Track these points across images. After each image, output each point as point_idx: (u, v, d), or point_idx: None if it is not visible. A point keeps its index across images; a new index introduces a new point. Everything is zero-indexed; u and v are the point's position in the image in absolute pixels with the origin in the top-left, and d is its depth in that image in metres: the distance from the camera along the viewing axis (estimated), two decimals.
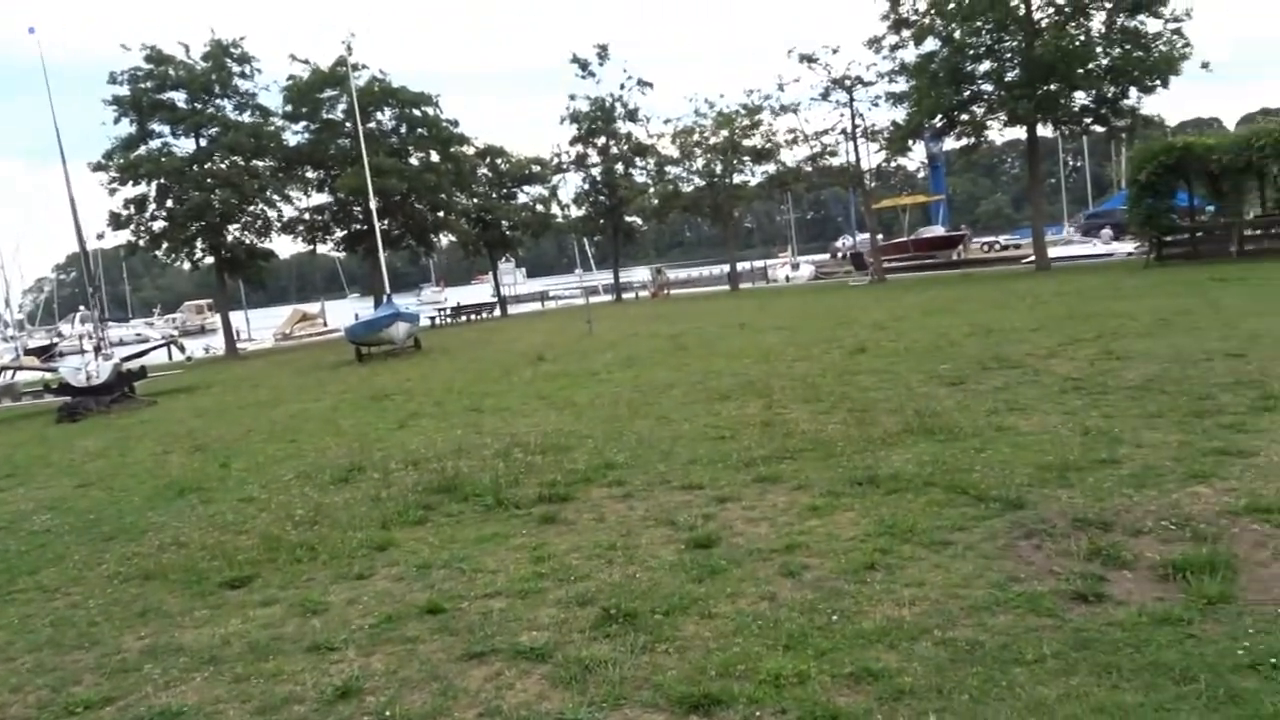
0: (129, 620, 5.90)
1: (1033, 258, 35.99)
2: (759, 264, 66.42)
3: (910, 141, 39.59)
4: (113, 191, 38.27)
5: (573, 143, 49.30)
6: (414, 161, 44.43)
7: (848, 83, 40.18)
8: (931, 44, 34.41)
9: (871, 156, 42.68)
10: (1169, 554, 4.92)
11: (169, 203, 38.57)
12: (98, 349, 24.28)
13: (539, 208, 50.87)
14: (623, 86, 48.00)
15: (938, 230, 54.20)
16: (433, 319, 46.53)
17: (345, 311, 55.61)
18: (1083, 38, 31.89)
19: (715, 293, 50.03)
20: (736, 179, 47.73)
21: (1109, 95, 32.04)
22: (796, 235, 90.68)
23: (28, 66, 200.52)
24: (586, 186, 50.00)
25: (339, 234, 45.79)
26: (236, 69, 39.47)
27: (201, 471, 10.93)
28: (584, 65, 47.52)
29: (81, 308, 51.60)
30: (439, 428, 12.06)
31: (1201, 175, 28.51)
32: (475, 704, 4.21)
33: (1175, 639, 4.03)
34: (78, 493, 10.62)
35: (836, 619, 4.59)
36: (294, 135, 43.08)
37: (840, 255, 61.36)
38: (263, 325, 58.35)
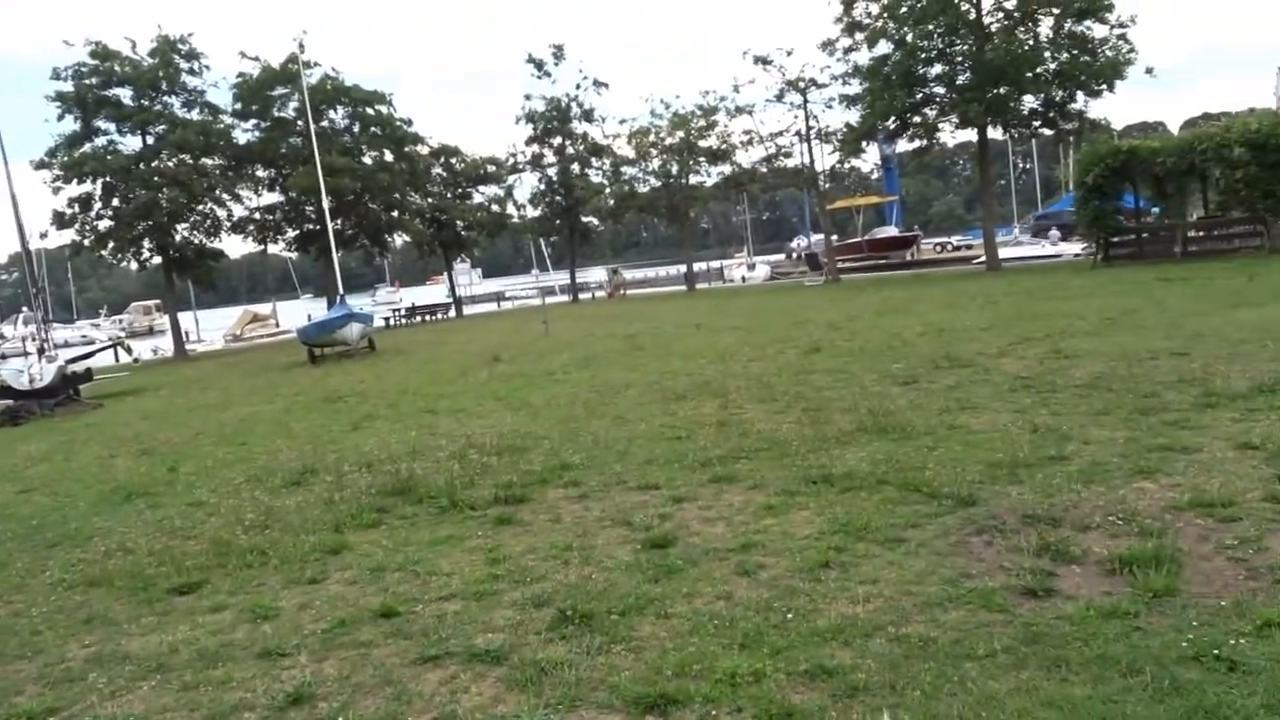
0: (73, 628, 5.77)
1: (984, 258, 36.53)
2: (715, 264, 66.65)
3: (864, 143, 40.10)
4: (57, 190, 37.59)
5: (528, 143, 49.23)
6: (367, 161, 44.04)
7: (802, 84, 40.53)
8: (884, 47, 34.85)
9: (826, 158, 43.15)
10: (1116, 549, 5.00)
11: (115, 201, 37.91)
12: (41, 351, 23.79)
13: (494, 208, 50.59)
14: (578, 87, 48.03)
15: (891, 231, 54.78)
16: (387, 320, 46.12)
17: (298, 312, 54.85)
18: (1031, 42, 32.47)
19: (672, 293, 50.16)
20: (692, 180, 47.98)
21: (1057, 99, 32.66)
22: (752, 236, 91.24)
23: None
24: (542, 187, 49.90)
25: (291, 234, 45.29)
26: (185, 65, 38.84)
27: (149, 476, 10.72)
28: (539, 65, 47.43)
29: (24, 309, 50.46)
30: (393, 429, 11.95)
31: (1146, 178, 29.16)
32: (430, 708, 4.17)
33: (1122, 632, 4.10)
34: (20, 498, 10.37)
35: (792, 617, 4.62)
36: (244, 133, 42.61)
37: (795, 256, 61.79)
38: (213, 326, 57.32)
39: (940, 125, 35.71)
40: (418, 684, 4.41)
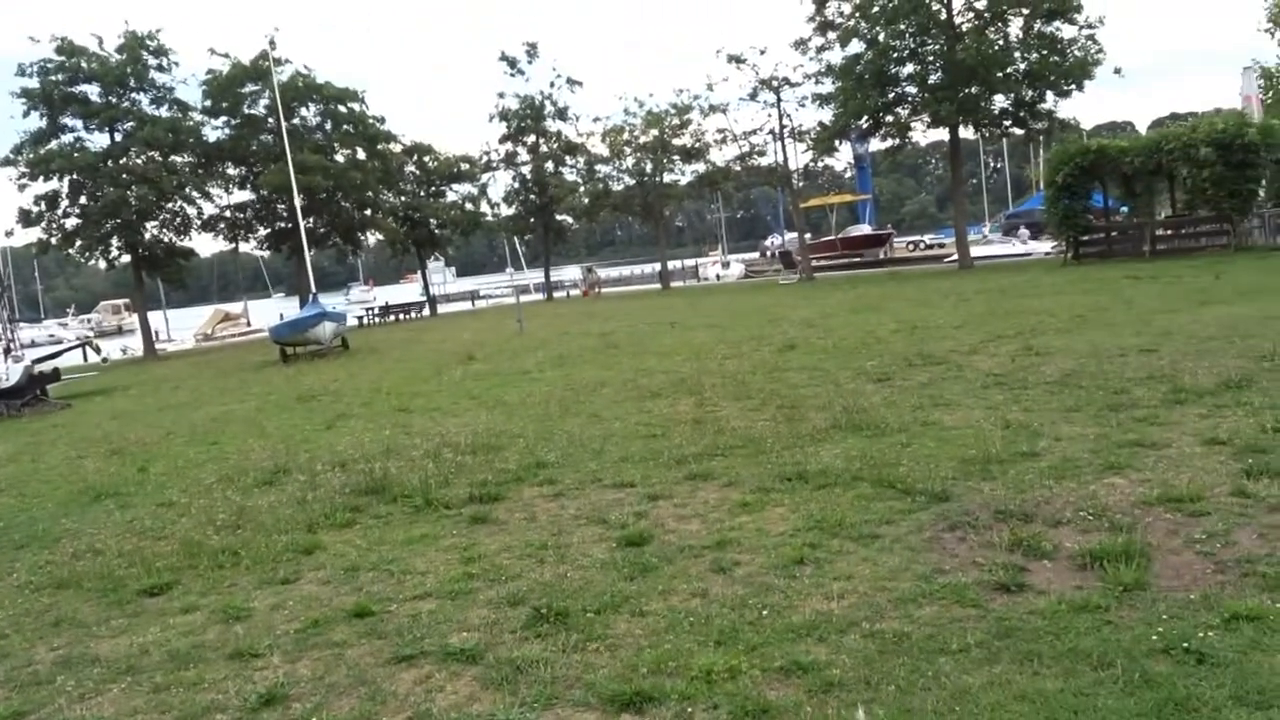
0: (41, 631, 5.69)
1: (955, 257, 36.80)
2: (690, 263, 66.80)
3: (836, 142, 40.27)
4: (22, 187, 37.04)
5: (502, 141, 49.11)
6: (339, 158, 43.69)
7: (775, 83, 40.69)
8: (856, 46, 34.99)
9: (799, 156, 43.36)
10: (1087, 544, 5.05)
11: (82, 199, 37.35)
12: (8, 350, 23.48)
13: (468, 206, 50.41)
14: (552, 85, 47.97)
15: (864, 229, 55.10)
16: (360, 319, 45.83)
17: (269, 311, 54.46)
18: (1001, 42, 32.72)
19: (646, 291, 50.16)
20: (666, 178, 48.02)
21: (1027, 99, 32.92)
22: (727, 234, 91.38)
23: None
24: (516, 185, 49.75)
25: (262, 232, 44.87)
26: (153, 62, 38.33)
27: (118, 476, 10.59)
28: (513, 63, 47.32)
29: None
30: (367, 428, 11.88)
31: (1115, 177, 29.46)
32: (404, 708, 4.15)
33: (1093, 626, 4.14)
34: None
35: (767, 614, 4.63)
36: (214, 130, 42.13)
37: (770, 254, 62.02)
38: (183, 325, 56.81)
39: (912, 124, 35.94)
40: (392, 684, 4.38)
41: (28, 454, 13.52)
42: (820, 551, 5.44)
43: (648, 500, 6.97)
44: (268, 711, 4.24)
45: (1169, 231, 28.74)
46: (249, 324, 50.54)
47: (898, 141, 37.45)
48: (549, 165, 49.18)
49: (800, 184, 45.13)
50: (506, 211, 50.98)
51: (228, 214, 43.62)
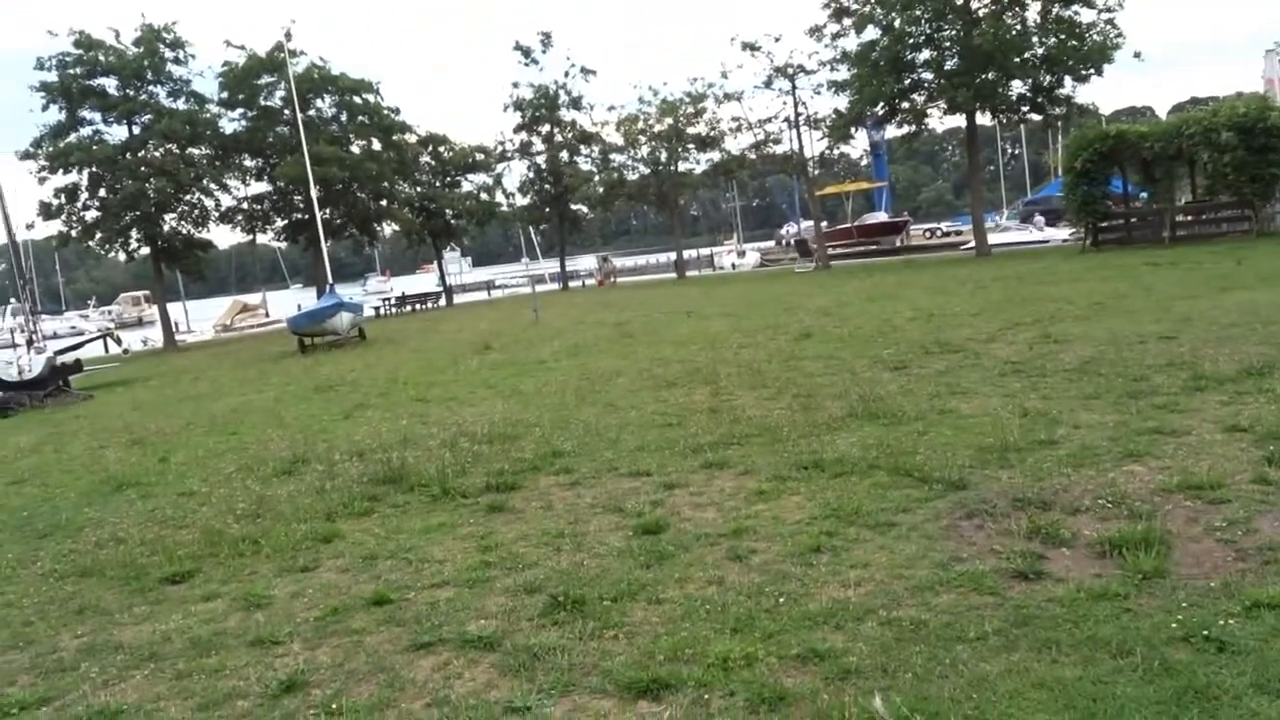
0: (65, 618, 5.76)
1: (973, 244, 36.59)
2: (705, 251, 66.63)
3: (852, 129, 39.99)
4: (42, 180, 37.31)
5: (516, 130, 49.04)
6: (355, 150, 43.83)
7: (790, 71, 40.41)
8: (872, 33, 34.70)
9: (814, 144, 43.07)
10: (1106, 531, 5.03)
11: (102, 192, 37.64)
12: (30, 342, 23.60)
13: (483, 196, 50.42)
14: (566, 74, 47.88)
15: (880, 217, 54.80)
16: (377, 309, 45.98)
17: (287, 302, 54.71)
18: (1019, 27, 32.40)
19: (662, 280, 50.08)
20: (681, 166, 47.87)
21: (1045, 84, 32.60)
22: (742, 222, 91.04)
23: None
24: (531, 175, 49.70)
25: (279, 223, 45.07)
26: (170, 54, 38.46)
27: (140, 466, 10.69)
28: (527, 53, 47.26)
29: (12, 300, 50.02)
30: (384, 418, 11.93)
31: (1135, 163, 29.19)
32: (423, 694, 4.18)
33: (1112, 614, 4.12)
34: (10, 490, 10.32)
35: (783, 601, 4.64)
36: (231, 123, 42.31)
37: (785, 242, 61.77)
38: (202, 317, 57.10)
39: (929, 111, 35.64)
40: (410, 671, 4.41)
41: (50, 444, 13.66)
42: (837, 539, 5.44)
43: (664, 489, 6.98)
44: (288, 698, 4.28)
45: (1189, 217, 28.45)
46: (267, 315, 50.71)
47: (914, 128, 37.14)
48: (564, 155, 49.13)
49: (816, 172, 44.93)
50: (521, 201, 51.04)
51: (245, 206, 43.87)
